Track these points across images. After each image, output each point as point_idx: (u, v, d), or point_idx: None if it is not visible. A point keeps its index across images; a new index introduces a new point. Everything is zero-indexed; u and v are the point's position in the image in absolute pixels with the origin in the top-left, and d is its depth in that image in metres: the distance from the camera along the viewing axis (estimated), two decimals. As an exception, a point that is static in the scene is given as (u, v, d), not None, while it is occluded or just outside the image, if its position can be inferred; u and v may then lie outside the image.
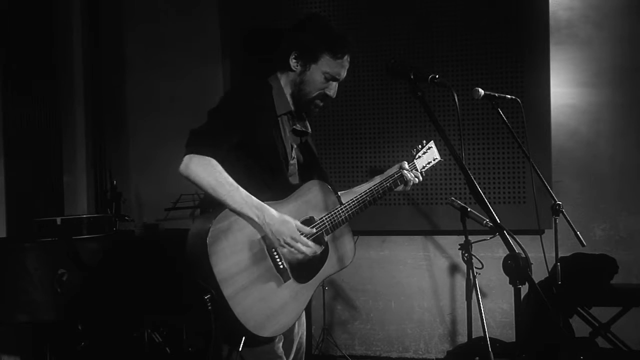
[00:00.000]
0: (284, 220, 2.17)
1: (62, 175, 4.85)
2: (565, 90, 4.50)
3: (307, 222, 2.31)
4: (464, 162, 2.03)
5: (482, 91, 2.99)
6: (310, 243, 2.22)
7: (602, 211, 4.49)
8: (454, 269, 4.69)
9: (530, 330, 3.76)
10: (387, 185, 2.54)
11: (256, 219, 2.14)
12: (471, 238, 3.45)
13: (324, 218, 2.35)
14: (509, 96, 3.20)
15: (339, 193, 2.51)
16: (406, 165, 2.58)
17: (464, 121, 4.50)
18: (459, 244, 3.49)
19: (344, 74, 2.39)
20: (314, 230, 2.29)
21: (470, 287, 3.44)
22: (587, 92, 4.49)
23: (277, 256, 2.19)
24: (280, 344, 2.31)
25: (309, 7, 4.77)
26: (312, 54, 2.33)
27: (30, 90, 4.57)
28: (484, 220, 3.34)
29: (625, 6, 4.43)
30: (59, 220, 3.78)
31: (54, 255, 3.58)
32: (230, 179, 2.15)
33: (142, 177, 5.09)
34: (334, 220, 2.38)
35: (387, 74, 2.23)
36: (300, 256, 2.22)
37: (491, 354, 3.29)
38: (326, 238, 2.35)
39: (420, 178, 2.62)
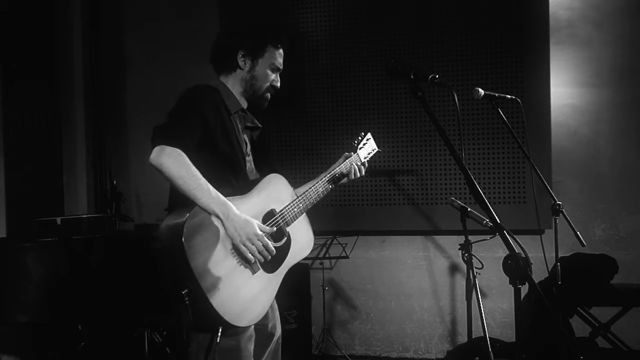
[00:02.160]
0: (246, 220, 2.22)
1: (62, 175, 4.85)
2: (565, 90, 4.50)
3: (269, 214, 2.38)
4: (464, 162, 2.03)
5: (482, 91, 2.99)
6: (270, 247, 2.26)
7: (602, 211, 4.49)
8: (454, 269, 4.69)
9: (530, 330, 3.75)
10: (336, 176, 2.65)
11: (221, 215, 2.18)
12: (471, 238, 3.45)
13: (284, 210, 2.43)
14: (509, 96, 3.20)
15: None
16: (353, 157, 2.69)
17: (464, 121, 4.50)
18: (459, 244, 3.48)
19: (282, 62, 2.54)
20: (274, 229, 2.35)
21: (470, 287, 3.44)
22: (587, 92, 4.49)
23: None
24: (251, 346, 2.33)
25: (308, 7, 4.77)
26: (258, 49, 2.48)
27: (30, 91, 4.57)
28: (484, 220, 3.34)
29: (625, 6, 4.43)
30: (59, 220, 3.78)
31: (54, 255, 3.58)
32: (199, 174, 2.20)
33: (142, 177, 5.09)
34: (293, 212, 2.46)
35: (387, 74, 2.23)
36: (257, 256, 2.24)
37: (491, 354, 3.29)
38: (288, 229, 2.43)
39: (365, 167, 2.73)
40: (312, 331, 4.59)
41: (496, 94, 3.08)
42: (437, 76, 2.13)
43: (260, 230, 2.25)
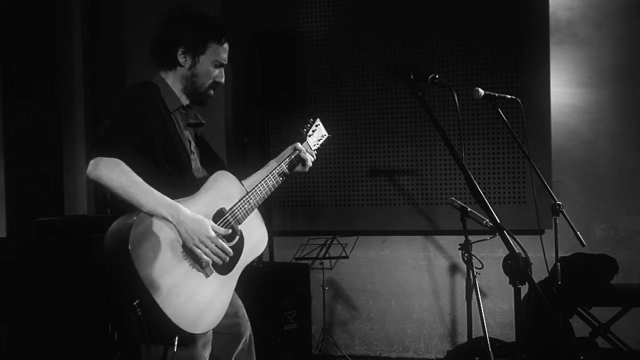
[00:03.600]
0: (198, 219, 2.14)
1: (62, 175, 4.84)
2: (565, 90, 4.50)
3: (219, 213, 2.29)
4: (464, 162, 2.03)
5: (482, 91, 2.99)
6: (226, 247, 2.20)
7: (602, 211, 4.49)
8: (454, 269, 4.68)
9: (531, 331, 3.75)
10: (285, 168, 2.56)
11: (170, 218, 2.10)
12: (471, 238, 3.44)
13: (234, 208, 2.34)
14: (509, 96, 3.20)
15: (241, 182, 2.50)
16: (300, 145, 2.60)
17: (464, 121, 4.50)
18: (459, 244, 3.48)
19: (226, 57, 2.43)
20: (229, 230, 2.26)
21: (470, 287, 3.44)
22: (587, 92, 4.49)
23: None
24: (206, 353, 2.27)
25: (309, 7, 4.77)
26: (200, 46, 2.35)
27: (30, 90, 4.56)
28: (484, 220, 3.34)
29: (625, 6, 4.43)
30: (59, 220, 3.78)
31: (54, 255, 3.58)
32: (140, 180, 2.11)
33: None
34: (244, 209, 2.37)
35: (387, 74, 2.23)
36: (213, 258, 2.17)
37: (491, 354, 3.29)
38: (239, 227, 2.34)
39: (314, 157, 2.66)
40: (312, 331, 4.59)
41: (496, 94, 3.08)
42: (437, 76, 2.13)
43: (214, 231, 2.17)
